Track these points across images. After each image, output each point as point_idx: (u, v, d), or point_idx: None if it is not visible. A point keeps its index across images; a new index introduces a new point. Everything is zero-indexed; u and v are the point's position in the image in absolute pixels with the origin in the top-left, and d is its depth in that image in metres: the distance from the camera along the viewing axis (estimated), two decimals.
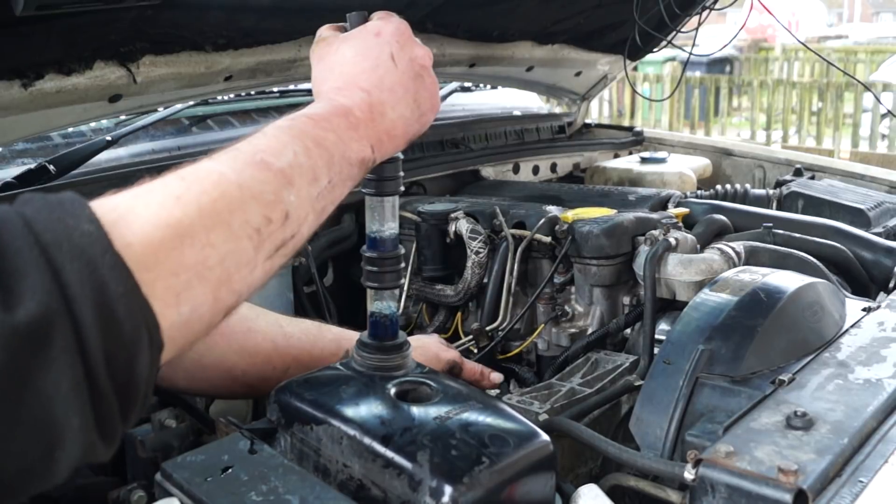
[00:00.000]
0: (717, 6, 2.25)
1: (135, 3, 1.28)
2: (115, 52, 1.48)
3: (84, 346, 0.55)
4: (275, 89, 2.28)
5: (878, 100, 6.65)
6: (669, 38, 2.29)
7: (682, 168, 2.44)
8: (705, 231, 1.66)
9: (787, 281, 1.22)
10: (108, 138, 1.78)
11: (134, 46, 1.50)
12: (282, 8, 1.61)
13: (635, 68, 6.22)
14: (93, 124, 1.87)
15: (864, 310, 1.29)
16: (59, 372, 0.54)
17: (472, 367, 1.37)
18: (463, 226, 1.74)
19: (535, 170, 2.54)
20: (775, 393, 1.01)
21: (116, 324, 0.57)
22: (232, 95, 2.19)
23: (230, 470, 0.86)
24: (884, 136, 9.72)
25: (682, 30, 2.33)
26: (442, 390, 0.96)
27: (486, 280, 1.70)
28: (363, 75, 0.89)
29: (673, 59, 10.99)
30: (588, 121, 2.94)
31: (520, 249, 1.68)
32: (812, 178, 2.28)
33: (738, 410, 0.98)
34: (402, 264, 1.04)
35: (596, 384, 1.31)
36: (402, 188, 1.01)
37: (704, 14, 2.22)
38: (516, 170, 2.47)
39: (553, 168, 2.60)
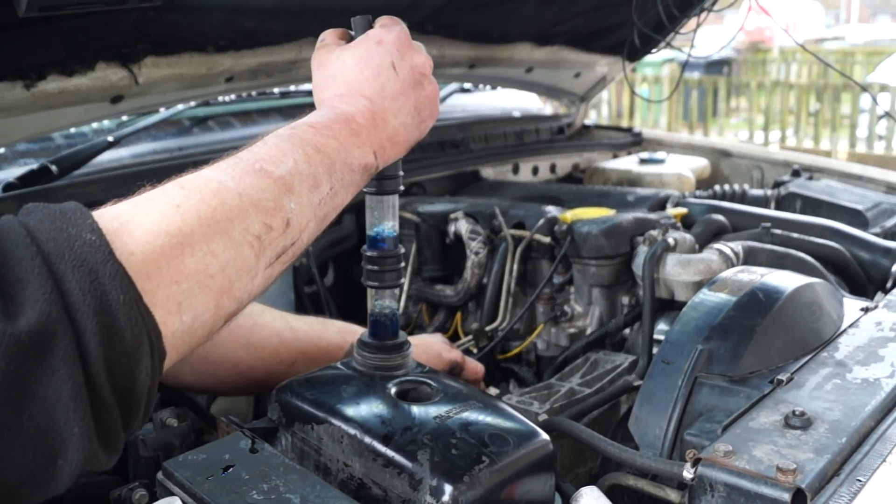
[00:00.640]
0: (715, 8, 2.25)
1: (137, 5, 1.28)
2: (117, 53, 1.49)
3: (85, 354, 0.56)
4: (276, 90, 2.29)
5: (875, 101, 6.66)
6: (668, 39, 2.29)
7: (681, 169, 2.45)
8: (704, 231, 1.66)
9: (786, 281, 1.23)
10: (110, 139, 1.79)
11: (136, 47, 1.50)
12: (283, 10, 1.62)
13: (634, 70, 6.24)
14: (95, 125, 1.88)
15: (861, 310, 1.29)
16: (61, 381, 0.55)
17: (473, 366, 1.37)
18: (462, 226, 1.74)
19: (535, 170, 2.55)
20: (774, 392, 1.01)
21: (118, 332, 0.57)
22: (233, 96, 2.20)
23: (231, 469, 0.86)
24: (881, 137, 9.71)
25: (681, 31, 2.33)
26: (442, 390, 0.97)
27: (485, 280, 1.70)
28: (365, 83, 0.90)
29: (671, 60, 10.99)
30: (587, 122, 2.94)
31: (519, 250, 1.68)
32: (810, 178, 2.29)
33: (736, 410, 0.98)
34: (403, 263, 1.05)
35: (595, 384, 1.32)
36: (402, 187, 1.01)
37: (703, 16, 2.22)
38: (516, 170, 2.48)
39: (552, 169, 2.61)
